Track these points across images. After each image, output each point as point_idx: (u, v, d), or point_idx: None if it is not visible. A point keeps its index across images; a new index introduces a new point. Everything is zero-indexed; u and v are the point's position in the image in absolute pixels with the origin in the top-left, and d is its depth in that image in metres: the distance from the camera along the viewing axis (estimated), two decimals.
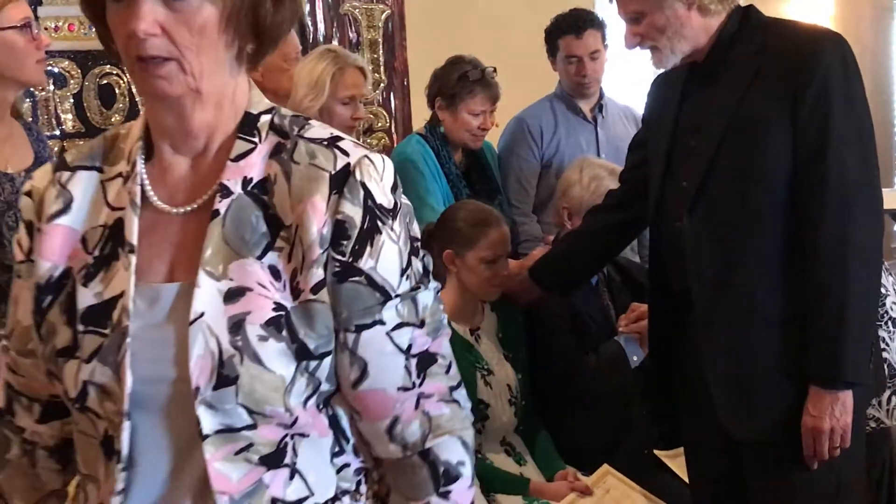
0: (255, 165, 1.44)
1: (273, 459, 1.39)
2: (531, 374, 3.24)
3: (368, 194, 1.41)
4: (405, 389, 1.46)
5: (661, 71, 2.74)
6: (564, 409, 3.26)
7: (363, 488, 1.51)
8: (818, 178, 2.41)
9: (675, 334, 2.72)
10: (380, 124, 4.58)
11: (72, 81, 3.82)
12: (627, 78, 5.06)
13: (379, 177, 1.42)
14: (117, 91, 3.90)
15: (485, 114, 3.77)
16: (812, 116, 2.41)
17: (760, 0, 2.68)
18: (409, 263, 1.45)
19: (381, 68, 4.57)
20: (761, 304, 2.49)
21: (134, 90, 3.90)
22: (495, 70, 3.78)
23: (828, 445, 2.44)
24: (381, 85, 4.56)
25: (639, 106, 4.35)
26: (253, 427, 1.37)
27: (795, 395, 2.47)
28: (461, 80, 3.73)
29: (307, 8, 4.40)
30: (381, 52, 4.58)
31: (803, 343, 2.45)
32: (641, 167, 2.84)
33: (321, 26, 4.44)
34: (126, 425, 1.36)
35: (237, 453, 1.36)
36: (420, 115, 4.31)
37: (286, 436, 1.40)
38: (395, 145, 4.45)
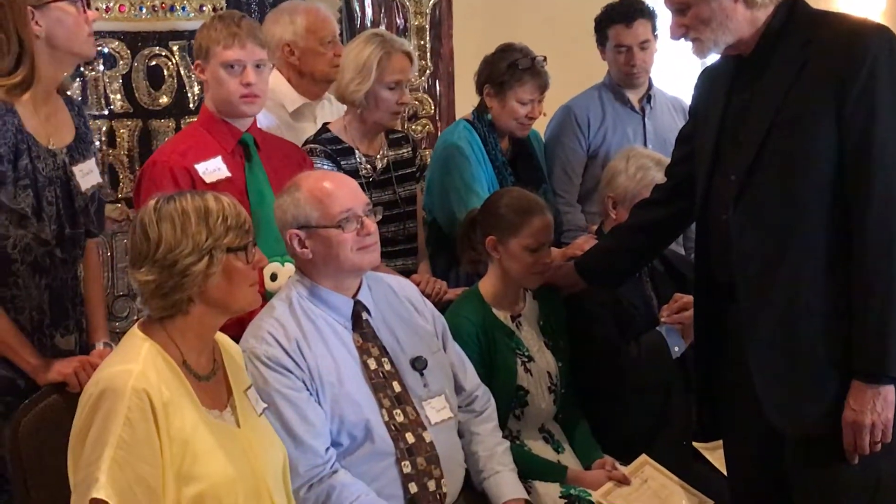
0: None
1: None
2: (571, 362, 3.24)
3: None
4: None
5: (709, 63, 2.74)
6: (604, 398, 3.26)
7: None
8: (864, 172, 2.40)
9: (719, 326, 2.72)
10: (424, 111, 4.58)
11: (121, 62, 3.85)
12: (677, 69, 5.01)
13: None
14: (165, 72, 3.93)
15: (533, 102, 3.76)
16: (858, 110, 2.40)
17: None
18: None
19: (427, 55, 4.57)
20: (806, 297, 2.48)
21: (182, 72, 3.93)
22: (545, 59, 3.77)
23: (868, 440, 2.44)
24: (427, 72, 4.56)
25: (688, 97, 4.36)
26: None
27: (838, 388, 2.47)
28: (511, 68, 3.73)
29: None
30: (427, 38, 4.58)
31: (847, 337, 2.45)
32: (688, 160, 2.83)
33: (369, 11, 4.45)
34: None
35: None
36: (465, 102, 4.30)
37: None
38: (439, 132, 4.45)
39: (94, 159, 2.84)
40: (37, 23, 2.60)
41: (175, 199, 2.23)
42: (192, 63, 3.84)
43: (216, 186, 2.93)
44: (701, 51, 2.59)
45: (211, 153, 3.07)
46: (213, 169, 3.03)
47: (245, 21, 3.12)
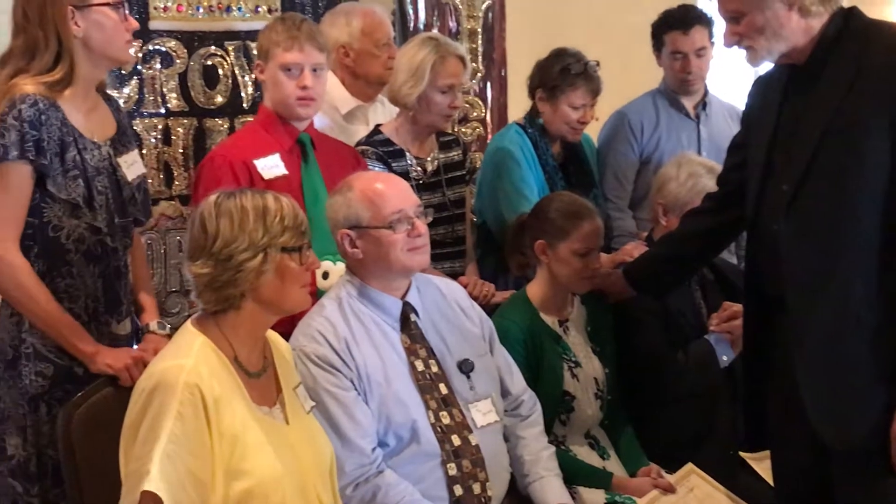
0: None
1: None
2: (618, 369, 3.23)
3: None
4: None
5: (763, 71, 2.72)
6: (651, 405, 3.25)
7: None
8: None
9: (768, 337, 2.71)
10: (475, 114, 4.58)
11: (178, 61, 3.89)
12: (734, 76, 4.99)
13: None
14: (221, 72, 3.96)
15: (585, 107, 3.75)
16: None
17: (864, 2, 2.64)
18: None
19: (479, 58, 4.57)
20: (856, 310, 2.46)
21: (237, 72, 3.96)
22: (598, 64, 3.76)
23: None
24: (479, 75, 4.56)
25: (742, 104, 4.33)
26: None
27: (887, 402, 2.44)
28: (563, 73, 3.72)
29: None
30: (479, 41, 4.58)
31: None
32: (740, 169, 2.81)
33: (421, 14, 4.46)
34: None
35: None
36: (516, 106, 4.31)
37: None
38: (489, 135, 4.46)
39: (136, 151, 2.90)
40: (76, 23, 2.65)
41: (236, 195, 2.26)
42: (248, 63, 3.92)
43: (273, 183, 2.97)
44: (754, 59, 2.58)
45: (269, 150, 3.11)
46: (271, 165, 3.08)
47: (306, 24, 3.15)
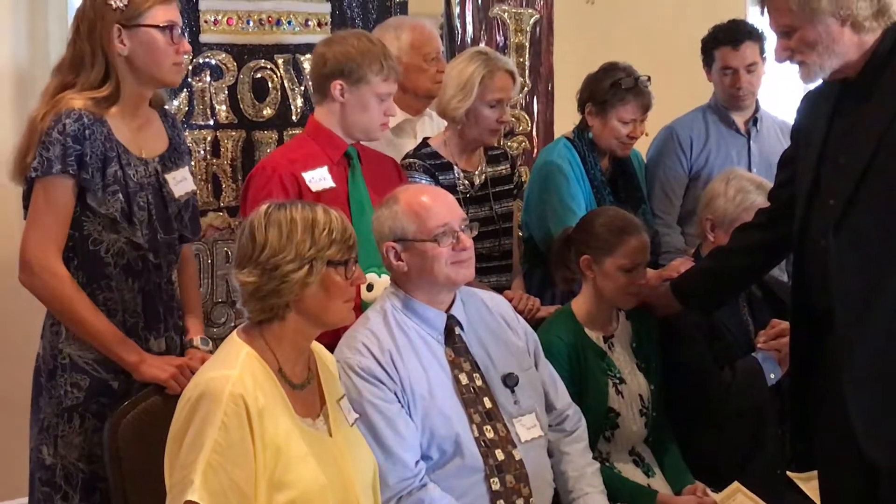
0: None
1: None
2: (664, 386, 3.20)
3: None
4: None
5: (813, 86, 2.69)
6: (696, 423, 3.22)
7: None
8: None
9: (816, 355, 2.67)
10: (521, 128, 4.57)
11: (227, 74, 3.92)
12: (785, 91, 4.95)
13: None
14: (270, 85, 3.99)
15: (635, 122, 3.74)
16: None
17: None
18: None
19: (527, 72, 4.57)
20: None
21: (286, 84, 3.99)
22: (649, 79, 3.74)
23: None
24: (525, 89, 4.56)
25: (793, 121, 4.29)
26: None
27: None
28: (613, 88, 3.71)
29: (457, 10, 4.43)
30: (527, 55, 4.58)
31: None
32: (791, 184, 2.79)
33: (469, 28, 4.46)
34: None
35: None
36: (562, 120, 4.30)
37: None
38: (536, 150, 4.45)
39: (187, 168, 2.91)
40: (122, 42, 2.68)
41: (286, 206, 2.28)
42: (297, 76, 3.94)
43: (321, 195, 2.99)
44: (808, 75, 2.55)
45: (318, 163, 3.13)
46: (319, 178, 3.10)
47: (389, 50, 3.25)
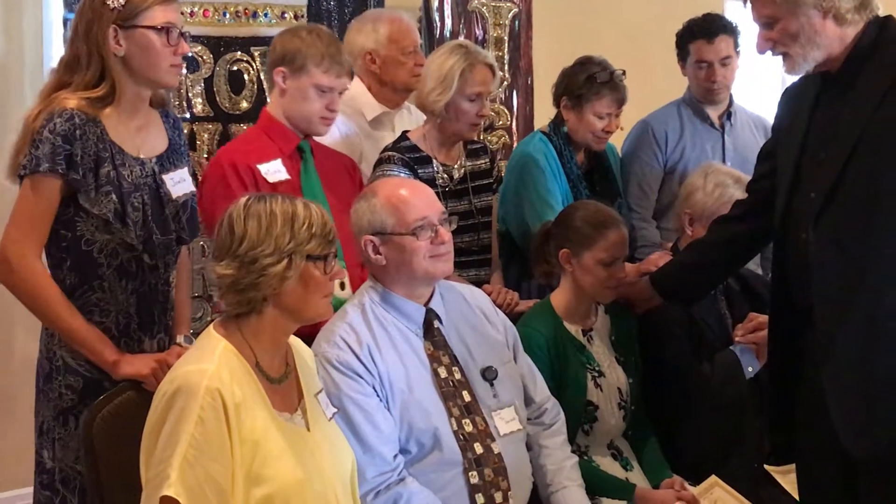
0: None
1: None
2: (642, 379, 3.21)
3: None
4: None
5: (793, 80, 2.70)
6: (675, 417, 3.23)
7: None
8: None
9: (795, 348, 2.68)
10: (501, 122, 4.57)
11: (203, 66, 3.90)
12: (758, 85, 4.96)
13: None
14: (246, 77, 3.97)
15: (610, 116, 3.73)
16: None
17: None
18: None
19: (506, 66, 4.56)
20: (886, 321, 2.45)
21: (263, 77, 3.97)
22: (624, 73, 3.75)
23: None
24: (504, 83, 4.55)
25: (768, 115, 4.30)
26: None
27: None
28: (589, 81, 3.71)
29: (435, 3, 4.42)
30: (506, 49, 4.58)
31: None
32: (770, 177, 2.80)
33: (448, 22, 4.46)
34: None
35: None
36: (542, 114, 4.29)
37: None
38: (515, 144, 4.44)
39: (186, 168, 2.87)
40: (118, 42, 2.65)
41: (266, 199, 2.26)
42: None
43: (277, 187, 3.00)
44: (792, 67, 2.56)
45: (271, 156, 3.14)
46: (274, 170, 3.10)
47: (341, 47, 3.24)
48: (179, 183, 2.81)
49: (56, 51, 4.17)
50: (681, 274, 3.16)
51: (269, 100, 3.28)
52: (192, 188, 2.88)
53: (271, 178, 3.07)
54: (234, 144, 3.30)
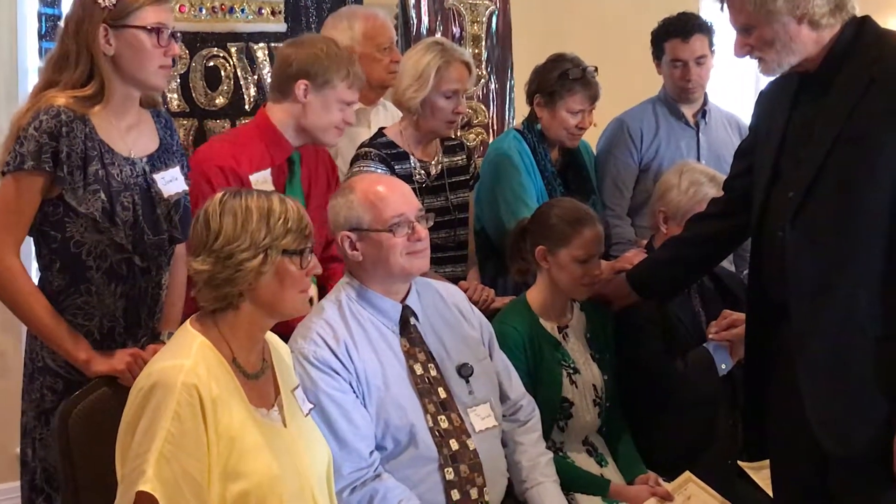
0: None
1: None
2: (617, 376, 3.22)
3: None
4: None
5: (768, 79, 2.71)
6: (649, 413, 3.24)
7: None
8: None
9: (770, 345, 2.70)
10: (478, 119, 4.58)
11: (179, 62, 3.88)
12: (733, 84, 5.00)
13: None
14: (223, 73, 3.96)
15: (583, 113, 3.75)
16: None
17: (879, 12, 2.63)
18: None
19: (483, 63, 4.57)
20: (860, 320, 2.46)
21: (239, 73, 3.95)
22: (596, 70, 3.76)
23: None
24: (482, 80, 4.56)
25: (742, 113, 4.33)
26: None
27: (889, 412, 2.43)
28: (561, 78, 3.72)
29: (412, 1, 4.42)
30: (483, 47, 4.58)
31: None
32: (746, 175, 2.81)
33: (425, 19, 4.46)
34: None
35: None
36: (519, 111, 4.31)
37: None
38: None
39: (178, 168, 2.85)
40: (108, 41, 2.63)
41: (242, 194, 2.26)
42: (250, 65, 3.91)
43: None
44: (767, 70, 2.58)
45: (262, 165, 3.13)
46: (262, 181, 3.09)
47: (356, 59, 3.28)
48: (171, 182, 2.79)
49: (31, 45, 4.15)
50: (657, 270, 3.18)
51: (269, 105, 3.22)
52: (185, 187, 2.86)
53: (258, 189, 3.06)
54: (227, 148, 3.20)
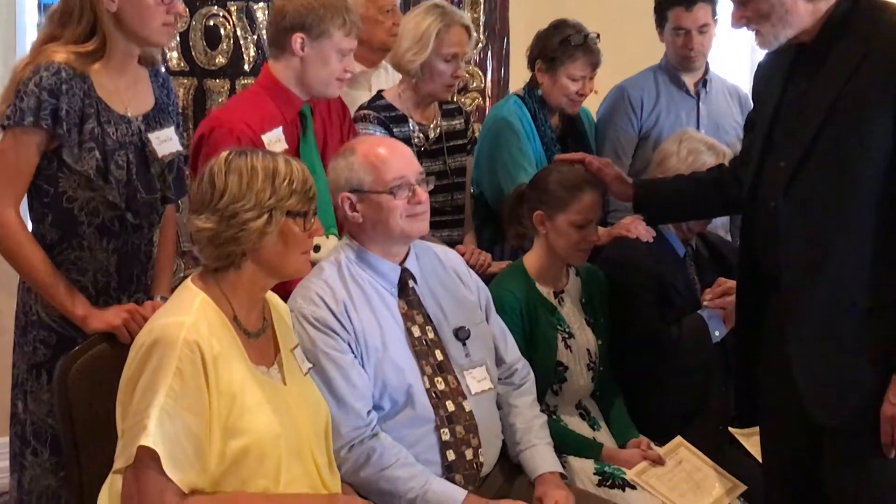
0: None
1: None
2: (611, 341, 3.25)
3: None
4: None
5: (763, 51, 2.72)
6: (642, 379, 3.27)
7: None
8: None
9: (762, 314, 2.72)
10: (475, 84, 4.58)
11: (179, 20, 3.86)
12: (729, 55, 4.99)
13: None
14: (222, 32, 3.95)
15: (584, 79, 3.75)
16: None
17: None
18: None
19: (481, 28, 4.56)
20: (850, 290, 2.48)
21: (239, 33, 3.94)
22: (598, 36, 3.76)
23: None
24: (479, 45, 4.55)
25: (742, 83, 4.33)
26: None
27: (878, 383, 2.46)
28: (563, 44, 3.72)
29: None
30: (481, 11, 4.57)
31: (889, 333, 2.44)
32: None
33: None
34: None
35: None
36: (516, 77, 4.30)
37: None
38: (489, 106, 4.45)
39: (173, 128, 2.85)
40: None
41: (247, 154, 2.26)
42: (250, 24, 3.89)
43: None
44: (764, 43, 2.59)
45: (274, 123, 3.06)
46: (275, 140, 3.03)
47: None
48: (165, 142, 2.79)
49: (30, 1, 4.13)
50: (659, 190, 3.18)
51: (270, 62, 3.14)
52: (179, 147, 2.85)
53: (271, 150, 3.03)
54: (240, 112, 3.09)
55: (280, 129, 3.05)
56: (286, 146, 3.05)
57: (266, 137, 3.01)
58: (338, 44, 3.06)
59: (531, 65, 3.85)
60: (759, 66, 2.83)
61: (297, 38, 3.03)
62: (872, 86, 2.43)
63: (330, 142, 3.25)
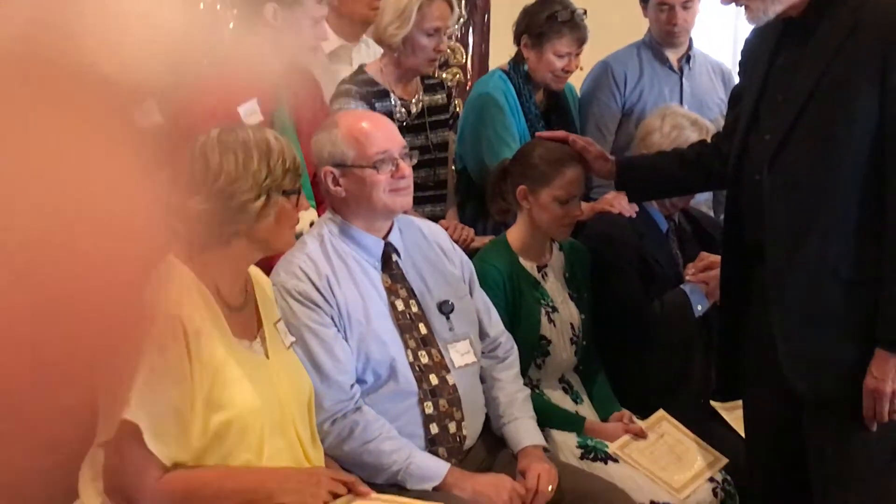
0: None
1: None
2: (594, 316, 3.26)
3: None
4: None
5: (746, 27, 2.71)
6: (625, 353, 3.28)
7: None
8: None
9: (745, 286, 2.73)
10: (456, 59, 4.55)
11: None
12: (717, 31, 4.98)
13: None
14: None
15: (570, 56, 3.74)
16: None
17: None
18: None
19: (463, 3, 4.53)
20: (834, 264, 2.49)
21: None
22: (585, 12, 3.75)
23: (888, 408, 2.45)
24: (461, 20, 4.52)
25: (725, 60, 4.32)
26: None
27: (860, 356, 2.47)
28: (550, 20, 3.71)
29: None
30: None
31: (872, 305, 2.45)
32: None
33: None
34: None
35: None
36: (498, 52, 4.28)
37: None
38: (470, 81, 4.44)
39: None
40: None
41: (237, 131, 2.24)
42: None
43: None
44: (753, 18, 2.57)
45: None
46: (251, 112, 3.03)
47: None
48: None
49: None
50: (640, 165, 3.18)
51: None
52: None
53: (247, 122, 3.02)
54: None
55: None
56: (261, 118, 3.04)
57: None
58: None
59: (517, 40, 3.84)
60: (747, 40, 2.83)
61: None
62: (859, 60, 2.43)
63: (302, 117, 3.23)
